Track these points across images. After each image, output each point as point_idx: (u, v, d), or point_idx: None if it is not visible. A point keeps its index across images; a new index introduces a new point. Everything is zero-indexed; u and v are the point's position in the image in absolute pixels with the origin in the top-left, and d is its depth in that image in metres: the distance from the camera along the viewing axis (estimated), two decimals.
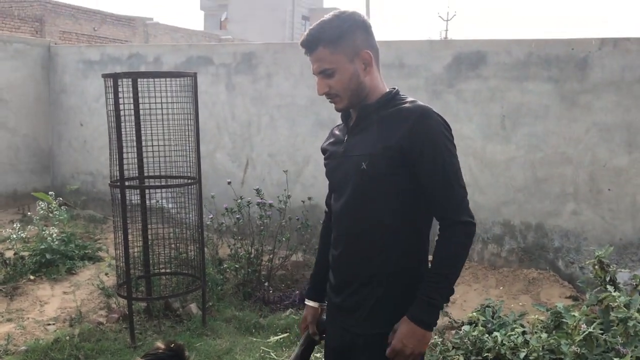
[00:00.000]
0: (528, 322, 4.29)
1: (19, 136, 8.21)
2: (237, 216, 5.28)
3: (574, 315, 3.62)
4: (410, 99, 1.91)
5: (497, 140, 5.41)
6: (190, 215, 4.62)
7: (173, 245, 4.88)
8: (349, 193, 1.91)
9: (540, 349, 3.35)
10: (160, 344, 2.25)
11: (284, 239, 5.17)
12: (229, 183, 5.74)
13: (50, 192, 6.19)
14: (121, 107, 4.08)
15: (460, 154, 5.66)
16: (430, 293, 1.78)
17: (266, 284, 5.09)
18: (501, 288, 5.21)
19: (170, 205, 4.81)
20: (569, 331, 3.55)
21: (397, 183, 1.83)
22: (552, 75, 5.14)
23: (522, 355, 3.35)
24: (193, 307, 4.69)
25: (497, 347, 3.49)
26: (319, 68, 1.88)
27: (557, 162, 5.17)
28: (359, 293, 1.91)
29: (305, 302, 2.20)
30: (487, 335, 3.62)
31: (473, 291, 5.20)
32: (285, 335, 4.35)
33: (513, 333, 3.65)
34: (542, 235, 5.28)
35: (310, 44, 1.88)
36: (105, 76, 4.18)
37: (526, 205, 5.33)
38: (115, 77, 4.06)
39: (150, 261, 4.65)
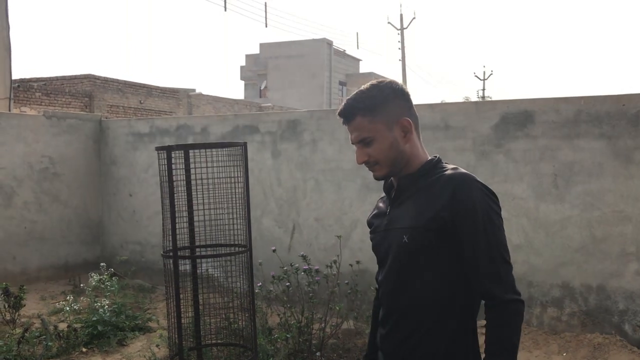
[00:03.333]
0: None
1: (70, 208, 8.43)
2: (287, 283, 5.23)
3: None
4: (451, 166, 1.84)
5: (550, 200, 5.28)
6: (240, 283, 4.59)
7: (223, 315, 4.83)
8: (392, 268, 1.84)
9: None
10: None
11: (337, 307, 5.07)
12: (274, 250, 5.72)
13: (101, 263, 6.27)
14: (173, 177, 4.15)
15: (512, 214, 5.51)
16: None
17: (318, 353, 4.96)
18: (564, 354, 4.96)
19: (219, 274, 4.80)
20: None
21: (441, 257, 1.75)
22: (603, 132, 5.04)
23: None
24: None
25: None
26: (358, 137, 1.85)
27: (615, 221, 4.99)
28: None
29: None
30: None
31: (534, 358, 4.96)
32: None
33: None
34: (605, 297, 5.05)
35: (348, 114, 1.86)
36: (158, 149, 4.27)
37: (585, 266, 5.13)
38: (168, 149, 4.14)
39: (201, 332, 4.60)
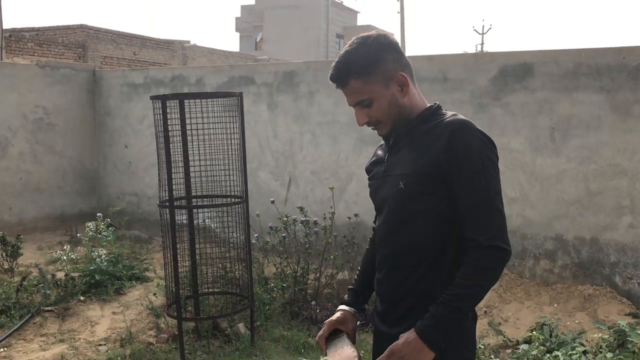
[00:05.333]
0: (587, 341, 4.13)
1: (65, 159, 8.40)
2: (283, 234, 5.26)
3: None
4: (451, 113, 1.81)
5: (546, 153, 5.27)
6: (236, 234, 4.62)
7: (219, 265, 4.88)
8: (389, 214, 1.84)
9: None
10: None
11: (331, 257, 5.13)
12: (272, 202, 5.74)
13: (98, 214, 6.29)
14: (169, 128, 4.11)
15: (508, 167, 5.51)
16: (441, 311, 1.66)
17: (313, 302, 5.03)
18: (555, 305, 5.04)
19: (215, 225, 4.82)
20: (635, 350, 3.40)
21: (437, 202, 1.73)
22: (603, 85, 5.00)
23: None
24: (241, 327, 4.66)
25: None
26: (355, 100, 1.80)
27: (611, 174, 5.00)
28: (403, 322, 1.80)
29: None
30: (547, 354, 3.49)
31: (526, 309, 5.05)
32: None
33: (574, 352, 3.52)
34: (597, 250, 5.11)
35: (341, 79, 1.80)
36: (153, 98, 4.22)
37: (579, 219, 5.17)
38: (163, 98, 4.09)
39: (198, 281, 4.65)
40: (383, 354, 1.70)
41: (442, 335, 1.67)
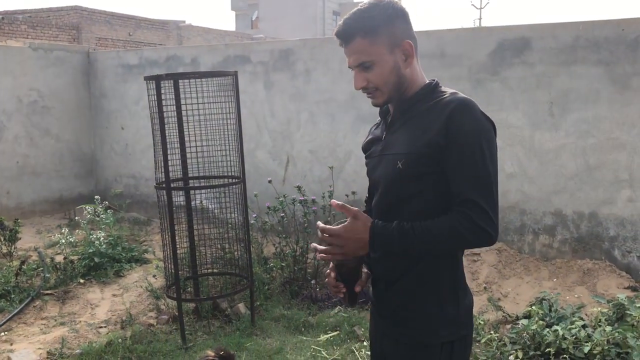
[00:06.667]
0: (587, 315, 4.15)
1: (62, 142, 8.36)
2: (281, 214, 5.25)
3: (639, 307, 3.48)
4: (451, 90, 1.76)
5: (545, 128, 5.24)
6: (235, 215, 4.60)
7: (218, 245, 4.87)
8: (385, 193, 1.81)
9: (605, 342, 3.21)
10: (210, 351, 2.21)
11: None
12: (270, 181, 5.72)
13: (95, 197, 6.27)
14: (163, 109, 4.08)
15: (507, 143, 5.49)
16: (403, 232, 1.64)
17: (313, 281, 5.04)
18: (555, 280, 5.05)
19: (213, 206, 4.81)
20: (634, 323, 3.41)
21: (434, 182, 1.70)
22: (601, 58, 4.95)
23: (585, 349, 3.23)
24: (241, 307, 4.67)
25: (558, 342, 3.36)
26: (357, 60, 1.75)
27: (610, 148, 4.98)
28: (394, 300, 1.80)
29: None
30: (547, 329, 3.50)
31: (525, 284, 5.06)
32: (336, 333, 4.30)
33: (574, 326, 3.52)
34: (596, 224, 5.10)
35: (347, 35, 1.74)
36: (147, 79, 4.17)
37: (578, 194, 5.15)
38: (157, 79, 4.05)
39: (197, 262, 4.65)
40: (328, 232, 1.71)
41: (386, 246, 1.67)
